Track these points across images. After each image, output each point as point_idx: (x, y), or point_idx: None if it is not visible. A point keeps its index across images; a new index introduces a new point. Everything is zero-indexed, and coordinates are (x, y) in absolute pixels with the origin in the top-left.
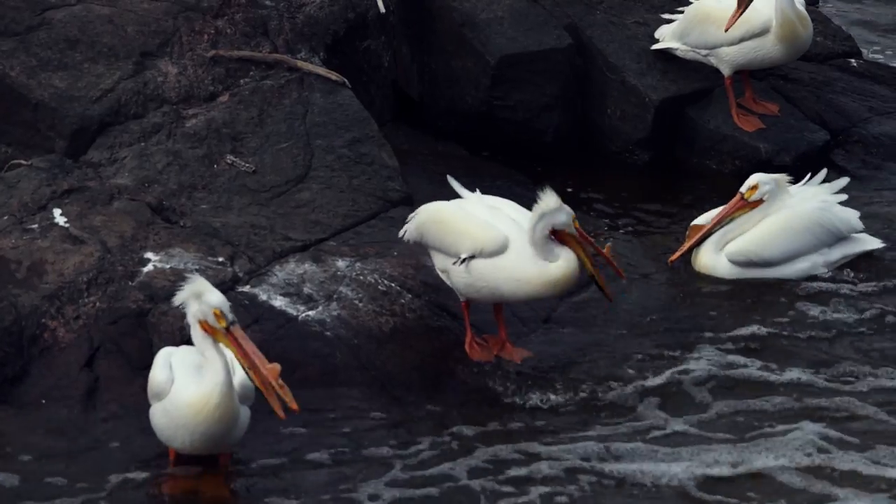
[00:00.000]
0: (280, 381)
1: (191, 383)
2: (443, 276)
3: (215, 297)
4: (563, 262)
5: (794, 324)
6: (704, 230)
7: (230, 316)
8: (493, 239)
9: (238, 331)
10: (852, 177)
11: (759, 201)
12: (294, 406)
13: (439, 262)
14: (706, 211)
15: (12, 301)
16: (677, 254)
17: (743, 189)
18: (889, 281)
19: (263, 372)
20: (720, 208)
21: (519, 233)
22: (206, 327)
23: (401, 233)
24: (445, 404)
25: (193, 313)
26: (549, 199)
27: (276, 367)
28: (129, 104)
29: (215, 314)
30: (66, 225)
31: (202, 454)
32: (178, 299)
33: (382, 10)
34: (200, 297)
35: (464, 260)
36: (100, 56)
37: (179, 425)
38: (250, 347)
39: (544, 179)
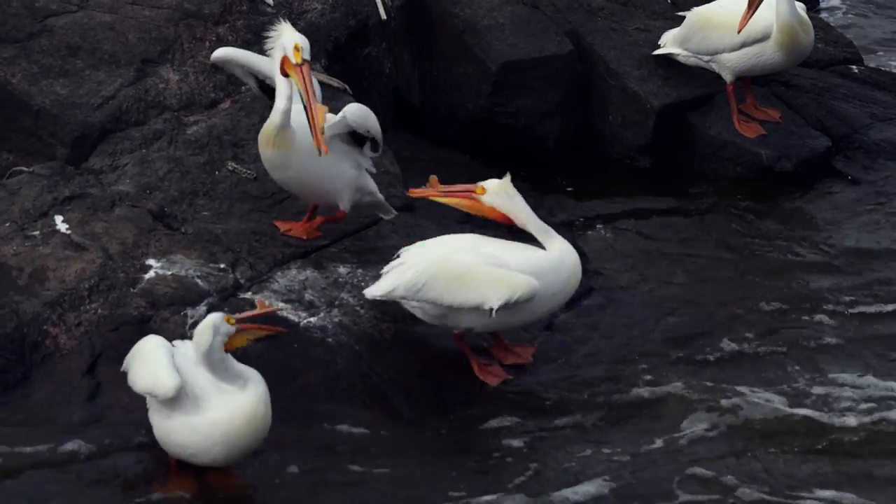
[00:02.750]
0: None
1: (224, 394)
2: (437, 319)
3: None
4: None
5: (804, 315)
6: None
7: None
8: (531, 288)
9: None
10: (854, 183)
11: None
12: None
13: (439, 309)
14: (705, 214)
15: (14, 308)
16: None
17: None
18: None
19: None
20: None
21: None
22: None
23: (374, 292)
24: (447, 411)
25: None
26: None
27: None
28: (131, 111)
29: (296, 47)
30: (68, 232)
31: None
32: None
33: (384, 16)
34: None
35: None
36: (101, 63)
37: (217, 441)
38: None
39: (545, 186)
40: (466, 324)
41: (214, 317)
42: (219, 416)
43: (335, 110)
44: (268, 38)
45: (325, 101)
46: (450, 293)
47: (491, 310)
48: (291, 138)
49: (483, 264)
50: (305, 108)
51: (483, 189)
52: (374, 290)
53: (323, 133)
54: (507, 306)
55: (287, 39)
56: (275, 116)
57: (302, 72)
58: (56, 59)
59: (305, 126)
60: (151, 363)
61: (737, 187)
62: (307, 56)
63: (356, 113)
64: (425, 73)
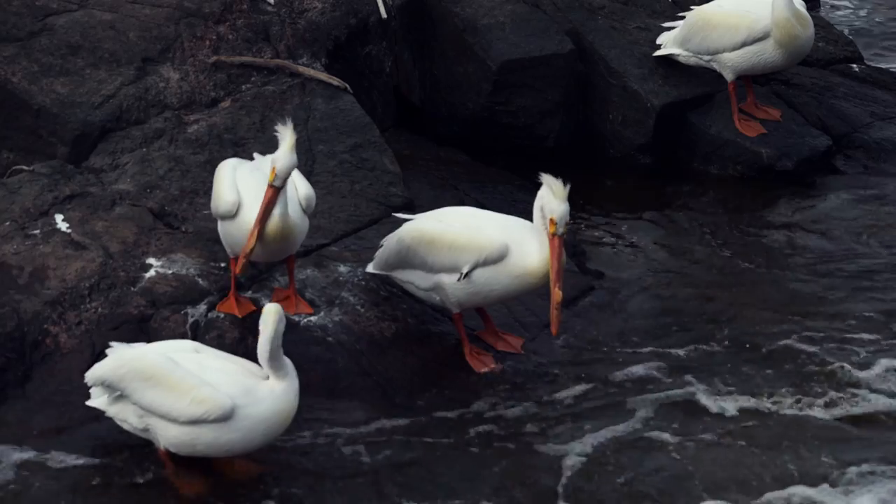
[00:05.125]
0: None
1: (262, 388)
2: (429, 295)
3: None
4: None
5: (804, 314)
6: None
7: None
8: (497, 247)
9: None
10: (854, 181)
11: None
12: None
13: (425, 280)
14: (705, 213)
15: (14, 307)
16: None
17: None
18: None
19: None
20: None
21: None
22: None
23: (371, 266)
24: (447, 410)
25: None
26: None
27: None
28: (131, 110)
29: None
30: (68, 230)
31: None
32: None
33: (384, 15)
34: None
35: (466, 274)
36: (101, 62)
37: (260, 433)
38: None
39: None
40: (453, 296)
41: (277, 306)
42: (263, 411)
43: (335, 109)
44: (276, 132)
45: (325, 99)
46: (429, 258)
47: (461, 274)
48: (291, 222)
49: (455, 228)
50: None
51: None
52: (370, 264)
53: (247, 257)
54: (478, 267)
55: (273, 156)
56: (275, 219)
57: (266, 194)
58: (56, 57)
59: (293, 203)
60: (185, 385)
61: (737, 186)
62: (278, 184)
63: (309, 198)
64: (426, 72)
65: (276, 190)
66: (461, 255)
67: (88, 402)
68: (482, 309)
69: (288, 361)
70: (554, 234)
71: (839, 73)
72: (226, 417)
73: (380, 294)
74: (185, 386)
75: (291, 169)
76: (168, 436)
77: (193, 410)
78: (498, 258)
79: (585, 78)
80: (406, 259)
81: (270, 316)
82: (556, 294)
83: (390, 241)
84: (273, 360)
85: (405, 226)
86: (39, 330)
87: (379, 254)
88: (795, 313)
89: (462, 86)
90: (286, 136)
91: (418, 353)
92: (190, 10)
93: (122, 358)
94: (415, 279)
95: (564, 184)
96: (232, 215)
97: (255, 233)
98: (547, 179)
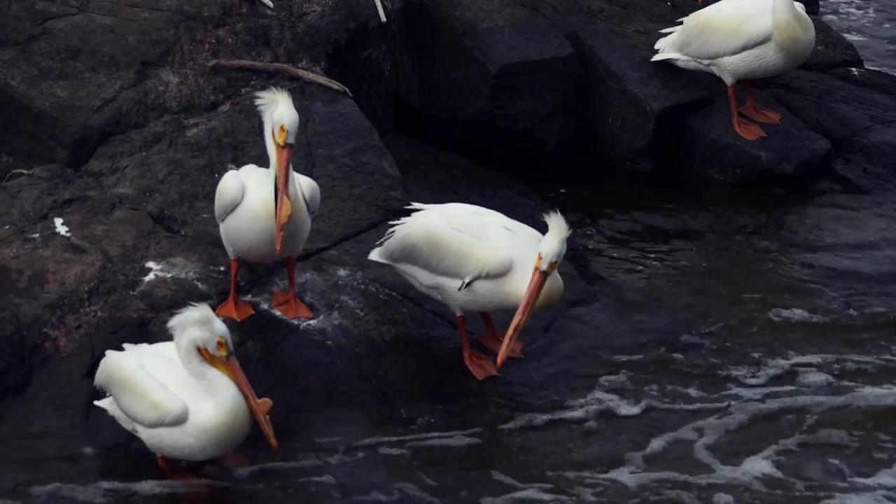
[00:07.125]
0: (266, 417)
1: (204, 402)
2: (431, 292)
3: (221, 326)
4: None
5: (804, 318)
6: None
7: (231, 347)
8: (500, 263)
9: (235, 361)
10: (853, 185)
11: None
12: (274, 444)
13: (428, 279)
14: (705, 217)
15: (14, 310)
16: None
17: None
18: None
19: (255, 404)
20: None
21: (518, 248)
22: (206, 354)
23: (376, 254)
24: (446, 414)
25: (194, 339)
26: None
27: (268, 402)
28: (131, 113)
29: (219, 342)
30: (68, 234)
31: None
32: (178, 323)
33: (383, 19)
34: (206, 325)
35: (468, 283)
36: (101, 65)
37: (210, 443)
38: (244, 379)
39: (545, 188)
40: (453, 300)
41: (220, 324)
42: (202, 423)
43: (334, 112)
44: (260, 98)
45: (325, 103)
46: (433, 260)
47: (462, 283)
48: (300, 203)
49: (463, 235)
50: (276, 191)
51: None
52: (375, 251)
53: (282, 230)
54: (479, 279)
55: (277, 116)
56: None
57: (282, 155)
58: (56, 61)
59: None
60: (144, 389)
61: (736, 190)
62: (291, 140)
63: (313, 189)
64: (425, 76)
65: (290, 149)
66: (464, 265)
67: (96, 402)
68: (486, 312)
69: (215, 376)
70: (536, 269)
71: (838, 76)
72: (180, 421)
73: (379, 298)
74: (144, 390)
75: (297, 122)
76: (145, 437)
77: (151, 414)
78: (500, 274)
79: (585, 82)
80: (411, 255)
81: (192, 321)
82: (518, 323)
83: (398, 234)
84: (192, 374)
85: (414, 220)
86: (39, 334)
87: (386, 244)
88: (796, 317)
89: (462, 89)
90: (278, 96)
91: (418, 356)
92: (189, 13)
93: (105, 363)
94: (418, 275)
95: (568, 226)
96: (238, 202)
97: (283, 196)
98: (551, 218)
